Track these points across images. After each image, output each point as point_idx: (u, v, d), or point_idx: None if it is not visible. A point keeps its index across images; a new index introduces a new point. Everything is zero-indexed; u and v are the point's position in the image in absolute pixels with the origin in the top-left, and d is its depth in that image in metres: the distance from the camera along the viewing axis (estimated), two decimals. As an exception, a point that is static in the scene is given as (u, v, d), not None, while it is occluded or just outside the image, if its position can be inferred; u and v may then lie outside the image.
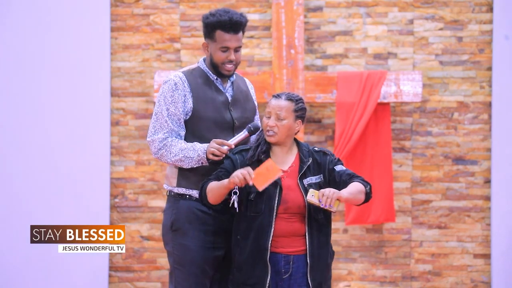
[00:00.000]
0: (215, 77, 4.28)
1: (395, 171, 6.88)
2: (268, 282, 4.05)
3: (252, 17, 6.90)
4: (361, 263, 6.91)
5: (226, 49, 4.20)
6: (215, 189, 4.07)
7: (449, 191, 6.89)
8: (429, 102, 6.90)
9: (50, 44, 6.81)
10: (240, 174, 3.93)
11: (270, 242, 4.05)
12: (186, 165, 4.18)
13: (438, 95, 6.90)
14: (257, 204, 4.07)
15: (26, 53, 6.80)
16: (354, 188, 4.07)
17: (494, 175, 6.78)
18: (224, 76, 4.29)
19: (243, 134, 4.21)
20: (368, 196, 4.11)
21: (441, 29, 6.90)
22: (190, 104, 4.22)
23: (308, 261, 4.07)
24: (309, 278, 4.06)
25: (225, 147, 4.11)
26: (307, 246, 4.07)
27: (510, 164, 6.76)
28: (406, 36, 6.90)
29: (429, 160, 6.90)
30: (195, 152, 4.15)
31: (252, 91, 4.50)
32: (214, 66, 4.25)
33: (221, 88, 4.30)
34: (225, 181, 4.01)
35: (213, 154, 4.11)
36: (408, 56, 6.89)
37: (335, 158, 4.21)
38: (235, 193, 4.04)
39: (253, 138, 4.32)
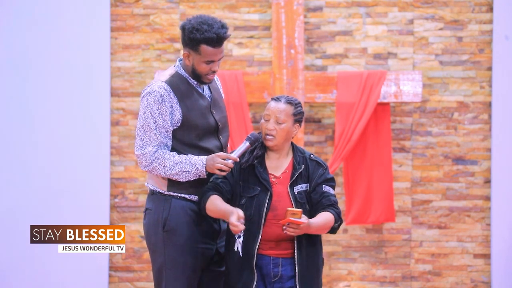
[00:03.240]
0: (195, 82, 4.27)
1: (395, 171, 6.88)
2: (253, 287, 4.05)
3: (252, 17, 6.90)
4: (361, 263, 6.91)
5: (211, 62, 4.19)
6: (216, 211, 4.05)
7: (449, 191, 6.89)
8: (429, 102, 6.90)
9: (50, 44, 6.81)
10: (237, 228, 3.91)
11: (257, 249, 4.03)
12: (182, 179, 4.15)
13: (438, 95, 6.90)
14: (247, 209, 4.05)
15: (26, 53, 6.80)
16: (324, 221, 4.02)
17: (494, 175, 6.78)
18: (204, 83, 4.28)
19: (244, 145, 4.16)
20: (333, 231, 4.09)
21: (441, 29, 6.90)
22: (178, 115, 4.17)
23: (296, 268, 4.05)
24: (297, 286, 4.05)
25: (230, 161, 4.08)
26: (296, 253, 4.05)
27: (510, 164, 6.76)
28: (406, 36, 6.90)
29: (429, 160, 6.90)
30: (193, 166, 4.12)
31: (218, 83, 4.47)
32: (196, 75, 4.23)
33: (201, 92, 4.28)
34: (227, 212, 3.97)
35: (220, 170, 4.10)
36: (408, 56, 6.89)
37: (327, 174, 4.16)
38: (238, 236, 4.00)
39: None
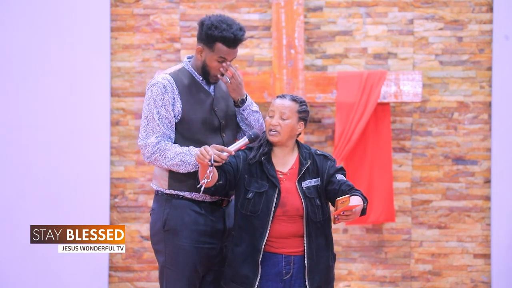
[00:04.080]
0: (201, 78, 4.29)
1: (395, 171, 6.88)
2: (257, 283, 4.05)
3: (252, 17, 6.90)
4: (361, 263, 6.91)
5: (223, 60, 4.21)
6: (200, 174, 4.04)
7: (449, 191, 6.89)
8: (429, 102, 6.90)
9: (50, 44, 6.81)
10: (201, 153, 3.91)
11: (263, 244, 4.05)
12: (182, 170, 4.17)
13: (438, 95, 6.90)
14: (255, 204, 4.07)
15: (26, 53, 6.80)
16: (359, 203, 4.02)
17: (494, 175, 6.78)
18: (210, 83, 4.30)
19: (243, 141, 4.19)
20: (363, 212, 4.09)
21: (441, 29, 6.90)
22: (178, 107, 4.20)
23: (306, 263, 4.06)
24: (307, 281, 4.06)
25: (225, 154, 4.09)
26: (305, 248, 4.07)
27: (510, 164, 6.76)
28: (406, 36, 6.90)
29: (429, 160, 6.90)
30: (193, 157, 4.14)
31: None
32: (205, 72, 4.25)
33: (206, 88, 4.30)
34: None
35: (214, 160, 4.10)
36: (408, 56, 6.89)
37: (336, 165, 4.20)
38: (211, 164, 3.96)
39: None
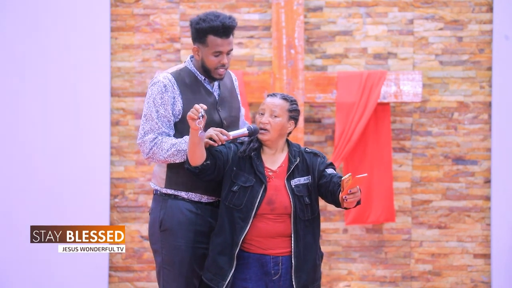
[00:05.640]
0: (203, 77, 4.28)
1: (395, 171, 6.88)
2: (230, 276, 4.05)
3: (252, 17, 6.90)
4: (361, 263, 6.91)
5: (218, 53, 4.18)
6: (189, 145, 4.02)
7: (449, 191, 6.89)
8: (429, 102, 6.90)
9: (50, 44, 6.81)
10: (195, 110, 3.89)
11: (242, 239, 4.05)
12: (178, 159, 4.16)
13: (438, 95, 6.90)
14: (239, 198, 4.08)
15: (26, 53, 6.80)
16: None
17: (494, 175, 6.78)
18: (214, 80, 4.28)
19: (242, 131, 4.19)
20: (358, 202, 4.10)
21: (441, 29, 6.90)
22: (179, 106, 4.20)
23: (293, 261, 4.07)
24: (293, 280, 4.07)
25: (224, 137, 4.09)
26: (292, 247, 4.07)
27: (510, 164, 6.76)
28: (406, 36, 6.90)
29: (429, 160, 6.90)
30: (187, 145, 4.15)
31: (235, 84, 4.46)
32: (206, 70, 4.24)
33: (209, 88, 4.29)
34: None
35: (211, 139, 4.10)
36: (408, 56, 6.89)
37: (326, 161, 4.21)
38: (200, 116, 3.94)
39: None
